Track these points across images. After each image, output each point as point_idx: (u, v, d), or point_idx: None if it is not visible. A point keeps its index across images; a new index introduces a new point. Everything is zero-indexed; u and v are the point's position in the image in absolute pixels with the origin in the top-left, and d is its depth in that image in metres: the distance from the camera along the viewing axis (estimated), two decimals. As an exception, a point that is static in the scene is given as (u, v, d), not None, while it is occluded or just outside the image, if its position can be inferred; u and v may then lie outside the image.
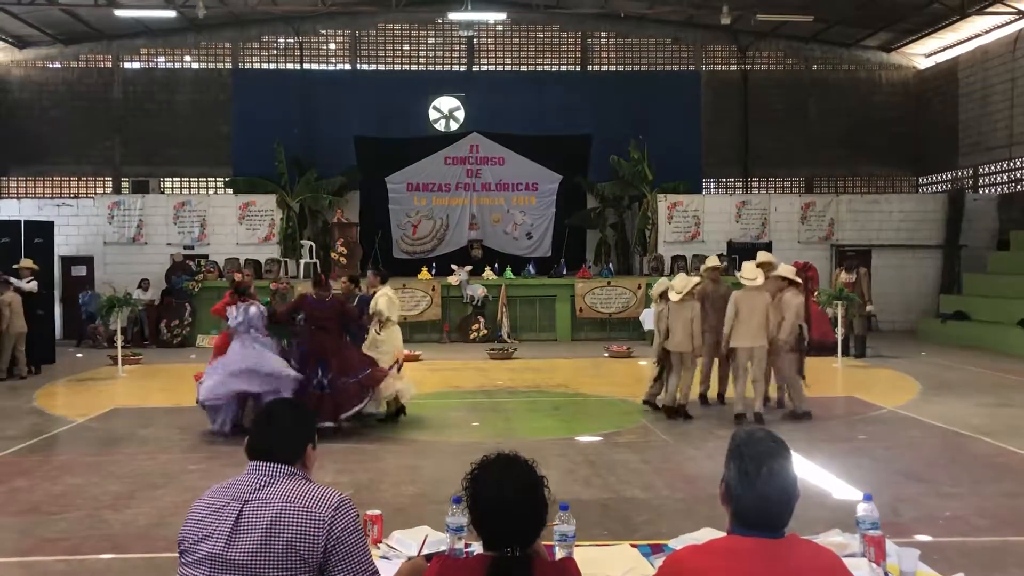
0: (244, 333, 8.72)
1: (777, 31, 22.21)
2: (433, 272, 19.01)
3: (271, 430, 2.53)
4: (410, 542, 3.21)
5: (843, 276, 15.30)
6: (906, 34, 21.62)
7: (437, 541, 3.16)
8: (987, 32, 20.38)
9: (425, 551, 3.07)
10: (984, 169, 21.11)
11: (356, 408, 8.81)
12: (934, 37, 21.48)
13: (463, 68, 23.05)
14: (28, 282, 13.88)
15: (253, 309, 8.82)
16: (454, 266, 18.59)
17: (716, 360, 10.33)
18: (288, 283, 12.83)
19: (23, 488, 6.92)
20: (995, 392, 11.34)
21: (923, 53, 22.73)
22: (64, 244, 18.95)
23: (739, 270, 9.93)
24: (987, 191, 21.03)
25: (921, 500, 6.39)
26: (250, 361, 8.52)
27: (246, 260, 18.70)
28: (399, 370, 9.56)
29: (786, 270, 9.80)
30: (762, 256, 10.09)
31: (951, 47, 21.76)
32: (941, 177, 22.63)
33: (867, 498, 3.09)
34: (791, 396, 9.64)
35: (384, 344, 9.57)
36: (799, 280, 9.73)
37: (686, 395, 9.65)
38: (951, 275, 20.27)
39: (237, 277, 10.08)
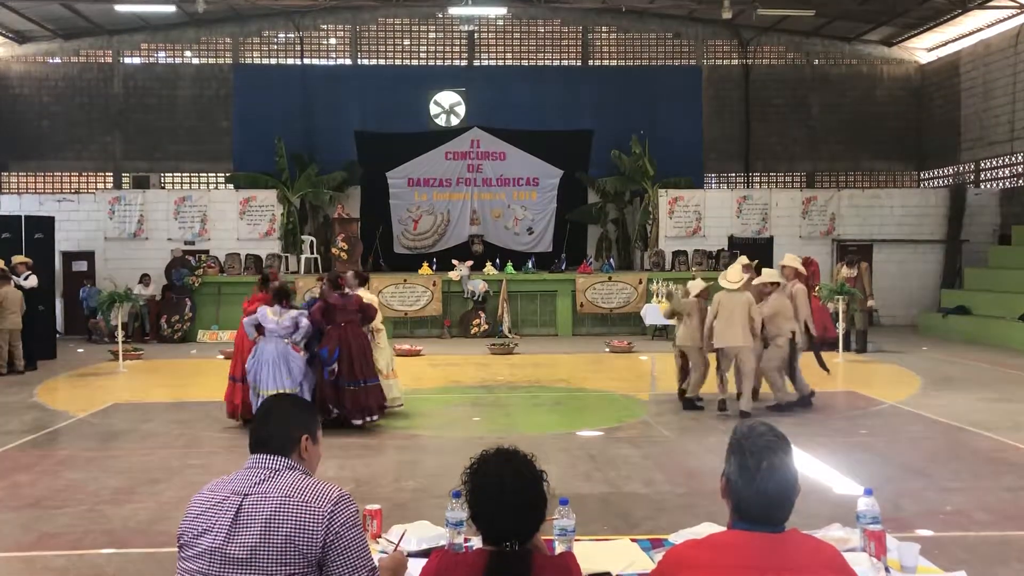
0: (279, 338, 8.46)
1: (778, 26, 22.15)
2: (434, 267, 19.00)
3: (267, 422, 2.53)
4: (410, 537, 3.20)
5: (844, 271, 15.31)
6: (908, 28, 21.57)
7: (436, 536, 3.16)
8: (989, 26, 20.31)
9: (416, 547, 3.05)
10: (986, 164, 21.07)
11: (375, 416, 8.85)
12: (936, 31, 21.42)
13: (464, 63, 22.99)
14: (26, 278, 13.87)
15: (305, 322, 8.55)
16: (455, 261, 18.58)
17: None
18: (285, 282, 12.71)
19: (24, 483, 6.92)
20: (996, 387, 11.33)
21: (925, 48, 22.67)
22: (65, 240, 18.92)
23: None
24: (989, 186, 20.99)
25: (922, 495, 6.38)
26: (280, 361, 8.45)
27: (247, 255, 18.71)
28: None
29: (769, 274, 9.81)
30: (745, 260, 10.24)
31: (953, 41, 21.70)
32: (943, 172, 22.57)
33: (868, 492, 3.08)
34: (771, 389, 9.64)
35: (384, 349, 9.56)
36: (778, 281, 9.72)
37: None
38: (952, 270, 20.24)
39: (274, 280, 9.48)
